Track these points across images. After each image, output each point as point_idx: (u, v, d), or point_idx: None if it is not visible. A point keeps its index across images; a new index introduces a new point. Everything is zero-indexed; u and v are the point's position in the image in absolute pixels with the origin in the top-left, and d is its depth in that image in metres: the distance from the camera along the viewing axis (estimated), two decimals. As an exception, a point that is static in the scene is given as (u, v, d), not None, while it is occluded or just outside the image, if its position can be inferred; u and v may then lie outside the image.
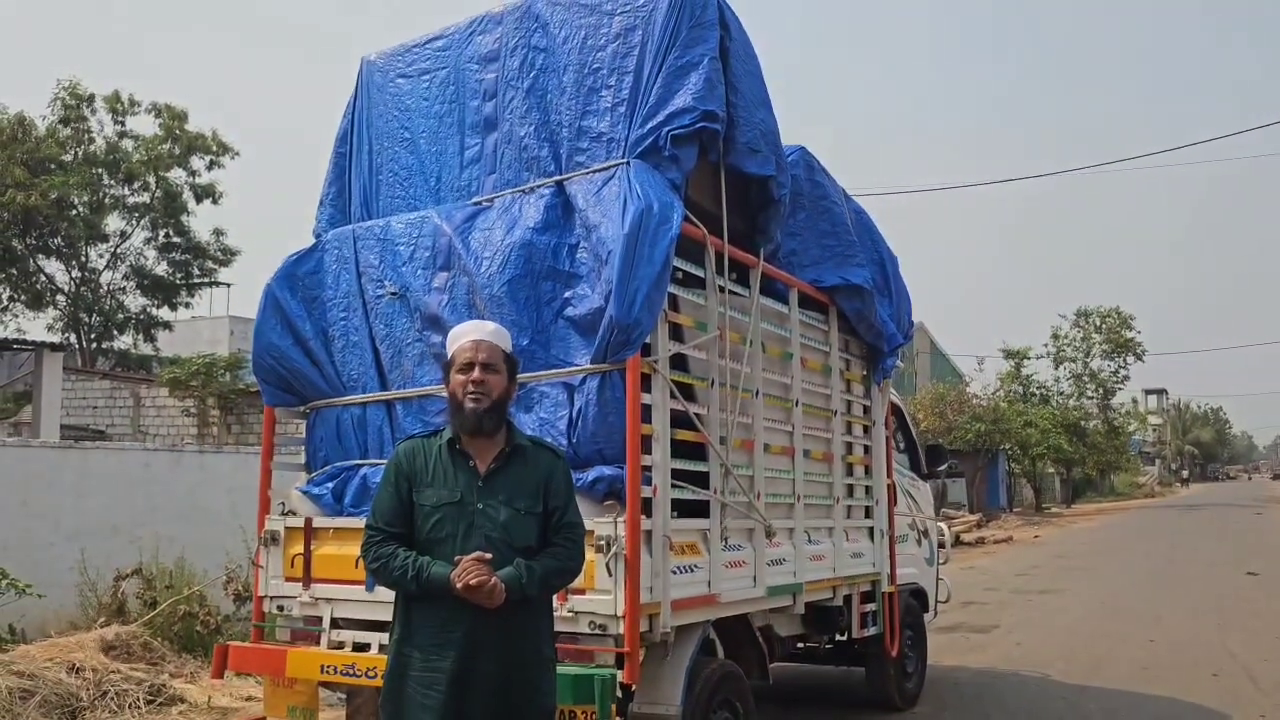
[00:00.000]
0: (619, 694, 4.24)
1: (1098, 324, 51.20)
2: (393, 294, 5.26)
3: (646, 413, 4.57)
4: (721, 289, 5.20)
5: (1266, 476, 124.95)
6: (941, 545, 8.93)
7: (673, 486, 4.73)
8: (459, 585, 3.13)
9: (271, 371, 5.52)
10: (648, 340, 4.59)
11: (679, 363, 5.01)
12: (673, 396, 4.76)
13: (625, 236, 4.45)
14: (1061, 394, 49.96)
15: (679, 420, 4.84)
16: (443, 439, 3.43)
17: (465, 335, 3.47)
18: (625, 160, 4.85)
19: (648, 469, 4.53)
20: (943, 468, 8.89)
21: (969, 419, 36.82)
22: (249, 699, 7.66)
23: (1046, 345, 50.48)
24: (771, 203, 5.48)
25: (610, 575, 4.30)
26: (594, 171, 4.93)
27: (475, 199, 5.31)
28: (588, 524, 4.39)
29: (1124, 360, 51.23)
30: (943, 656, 9.53)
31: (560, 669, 4.26)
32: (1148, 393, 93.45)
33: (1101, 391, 51.39)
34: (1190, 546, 23.66)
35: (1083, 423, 47.65)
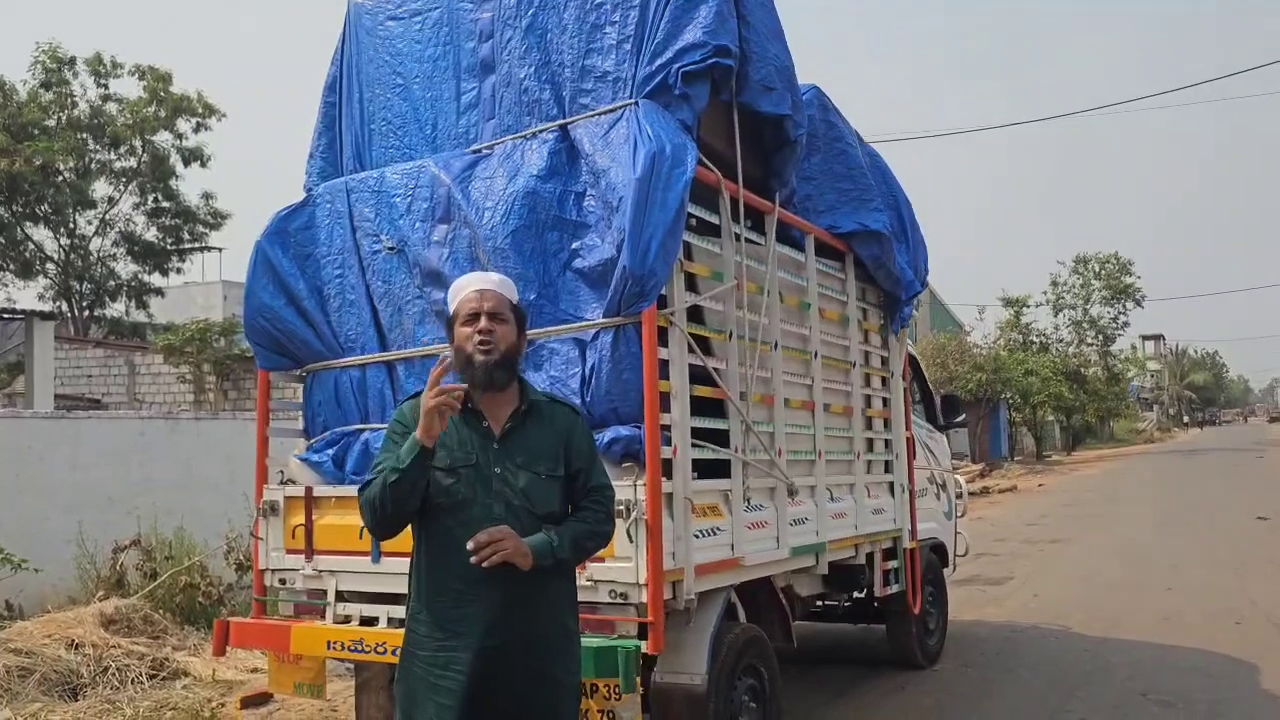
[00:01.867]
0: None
1: (1097, 270, 51.00)
2: (390, 248, 4.98)
3: (664, 368, 4.31)
4: (737, 236, 4.92)
5: (1263, 420, 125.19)
6: (959, 497, 8.72)
7: (692, 446, 4.48)
8: (477, 561, 2.88)
9: (264, 333, 5.24)
10: (663, 291, 4.32)
11: (694, 315, 4.74)
12: (691, 350, 4.50)
13: (637, 181, 4.17)
14: (1061, 341, 49.87)
15: (696, 375, 4.58)
16: None
17: (468, 286, 3.18)
18: (633, 100, 4.55)
19: (666, 428, 4.28)
20: (959, 419, 8.66)
21: (970, 369, 36.63)
22: (254, 671, 7.47)
23: (1045, 293, 50.33)
24: (787, 144, 5.18)
25: (631, 541, 4.06)
26: (600, 114, 4.63)
27: (474, 146, 5.01)
28: (605, 487, 4.16)
29: (1124, 306, 51.09)
30: (960, 610, 9.36)
31: (582, 641, 4.06)
32: (1145, 338, 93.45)
33: (1101, 338, 51.28)
34: (1197, 492, 23.55)
35: (1083, 370, 47.55)
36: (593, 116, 4.65)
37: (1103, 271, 50.79)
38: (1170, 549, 13.64)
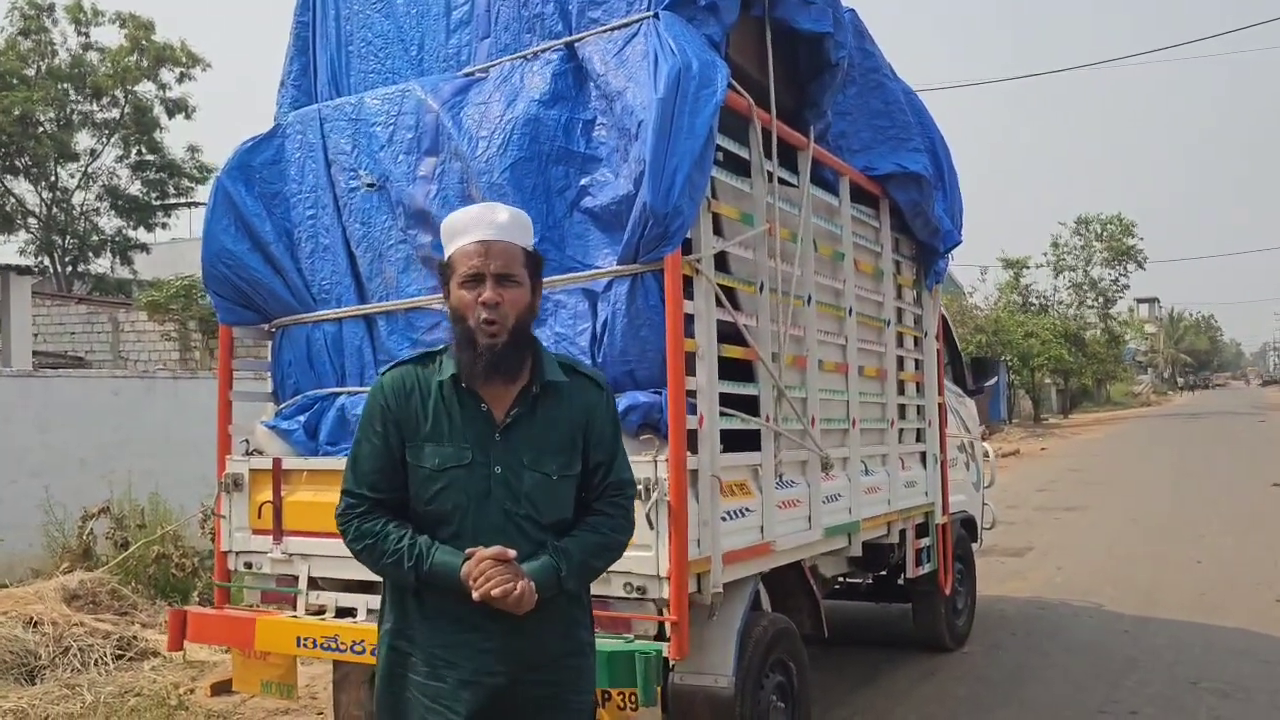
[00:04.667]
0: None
1: (1098, 231, 50.38)
2: (369, 185, 4.33)
3: (688, 324, 3.69)
4: (770, 175, 4.29)
5: (1256, 384, 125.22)
6: (986, 457, 8.15)
7: (720, 414, 3.88)
8: (475, 595, 2.28)
9: (226, 282, 4.59)
10: (688, 235, 3.69)
11: (719, 264, 4.11)
12: (719, 304, 3.89)
13: (660, 102, 3.53)
14: (1061, 303, 49.36)
15: (723, 334, 3.97)
16: (442, 371, 2.46)
17: (469, 231, 2.44)
18: (652, 13, 3.90)
19: (691, 394, 3.66)
20: (991, 382, 8.08)
21: (971, 330, 36.05)
22: (230, 652, 6.89)
23: (1046, 254, 49.77)
24: (827, 67, 4.55)
25: (651, 528, 3.46)
26: (613, 28, 3.98)
27: (466, 69, 4.36)
28: (620, 464, 3.56)
29: (1124, 268, 50.54)
30: (982, 584, 8.74)
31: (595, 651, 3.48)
32: (1140, 301, 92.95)
33: (1102, 300, 50.76)
34: (1203, 457, 23.08)
35: (1082, 332, 47.06)
36: (604, 32, 4.00)
37: (1104, 233, 50.18)
38: (1190, 518, 13.13)
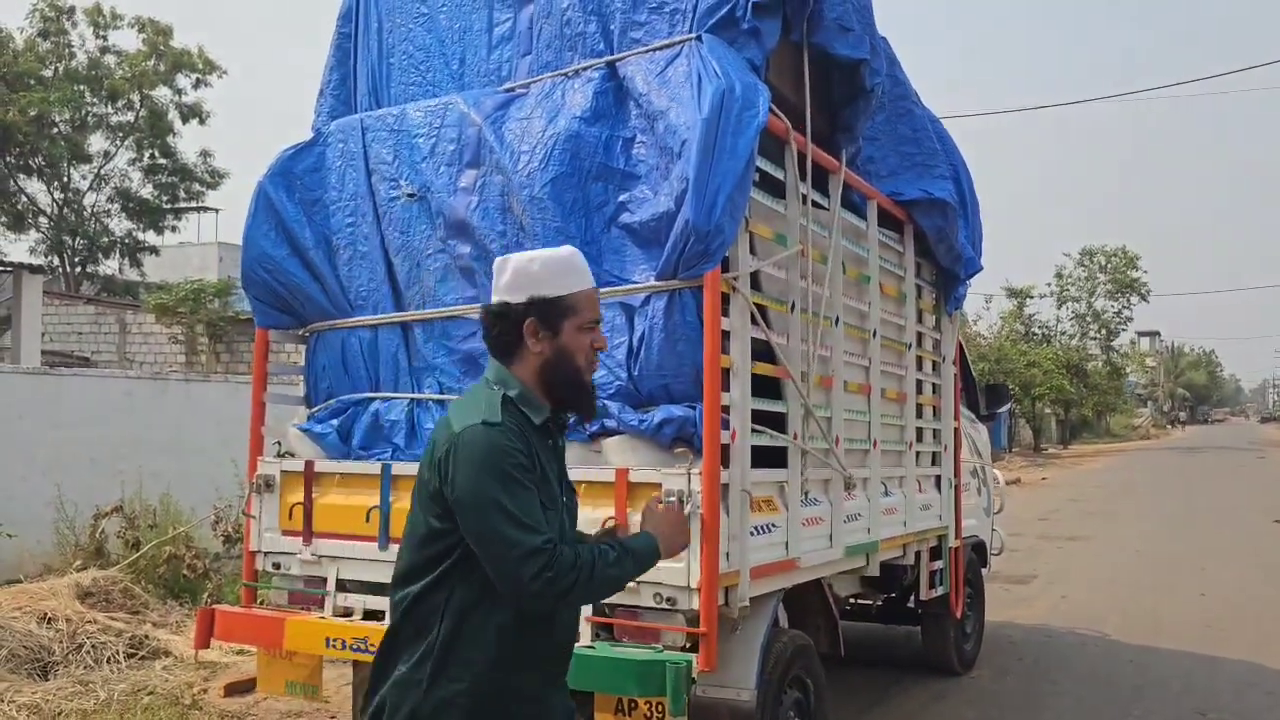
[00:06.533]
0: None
1: (1103, 263, 50.55)
2: (410, 195, 4.40)
3: (724, 341, 3.75)
4: (804, 197, 4.36)
5: (1254, 420, 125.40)
6: (996, 483, 8.22)
7: (750, 430, 3.93)
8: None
9: (264, 286, 4.66)
10: (726, 253, 3.76)
11: (752, 282, 4.17)
12: (754, 322, 3.95)
13: (704, 122, 3.60)
14: (1064, 334, 49.46)
15: (755, 351, 4.03)
16: (537, 414, 2.39)
17: (584, 273, 2.49)
18: (694, 35, 3.98)
19: (725, 409, 3.72)
20: (1004, 409, 8.14)
21: (974, 358, 36.11)
22: (241, 653, 6.93)
23: (1050, 284, 49.89)
24: (862, 94, 4.62)
25: (683, 539, 3.51)
26: (655, 49, 4.06)
27: (507, 84, 4.43)
28: (655, 475, 3.64)
29: (1128, 300, 50.66)
30: (989, 611, 8.79)
31: (622, 651, 3.55)
32: (1141, 334, 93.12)
33: (1105, 332, 50.86)
34: (1204, 491, 23.11)
35: (1084, 363, 47.14)
36: (646, 52, 4.07)
37: (1109, 265, 50.34)
38: (1192, 551, 13.16)
